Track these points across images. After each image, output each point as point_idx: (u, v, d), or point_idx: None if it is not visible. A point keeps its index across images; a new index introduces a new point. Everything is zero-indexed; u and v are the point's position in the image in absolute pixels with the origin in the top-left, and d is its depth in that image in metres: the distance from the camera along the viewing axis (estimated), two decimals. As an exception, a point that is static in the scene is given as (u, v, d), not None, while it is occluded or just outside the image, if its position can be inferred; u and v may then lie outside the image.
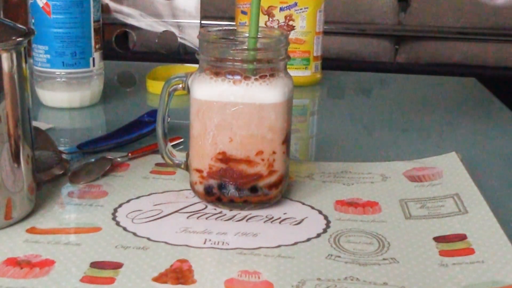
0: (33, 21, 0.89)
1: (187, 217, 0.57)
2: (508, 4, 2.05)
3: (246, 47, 0.58)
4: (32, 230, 0.54)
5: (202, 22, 2.03)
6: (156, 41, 2.04)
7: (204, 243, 0.53)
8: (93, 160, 0.68)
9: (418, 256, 0.51)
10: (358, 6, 2.12)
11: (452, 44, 2.09)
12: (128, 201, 0.60)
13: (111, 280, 0.47)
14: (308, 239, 0.53)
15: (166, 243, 0.52)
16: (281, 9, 1.06)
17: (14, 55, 0.52)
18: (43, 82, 0.91)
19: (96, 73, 0.92)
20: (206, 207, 0.59)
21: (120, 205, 0.59)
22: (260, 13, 1.04)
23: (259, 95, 0.56)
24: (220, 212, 0.58)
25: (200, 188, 0.59)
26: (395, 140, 0.86)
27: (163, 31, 2.06)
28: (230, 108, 0.56)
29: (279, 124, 0.57)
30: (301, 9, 1.06)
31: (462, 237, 0.54)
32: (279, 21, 1.05)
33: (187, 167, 0.62)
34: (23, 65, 0.54)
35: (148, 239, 0.53)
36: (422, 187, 0.64)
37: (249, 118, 0.56)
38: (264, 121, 0.56)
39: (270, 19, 1.05)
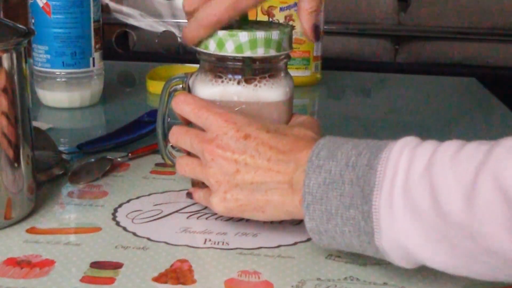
0: (33, 21, 0.89)
1: (187, 217, 0.57)
2: (508, 4, 2.05)
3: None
4: (32, 230, 0.54)
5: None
6: (156, 41, 2.04)
7: (204, 243, 0.53)
8: (93, 160, 0.69)
9: (418, 256, 0.51)
10: (358, 6, 2.12)
11: (452, 44, 2.08)
12: (128, 201, 0.60)
13: (111, 280, 0.47)
14: (308, 239, 0.53)
15: (166, 243, 0.52)
16: (281, 9, 1.06)
17: (14, 55, 0.52)
18: (43, 82, 0.91)
19: (96, 73, 0.92)
20: (206, 207, 0.59)
21: (120, 205, 0.59)
22: (260, 13, 1.05)
23: (261, 95, 0.56)
24: (220, 212, 0.58)
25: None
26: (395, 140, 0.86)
27: (163, 31, 2.05)
28: (232, 108, 0.56)
29: (281, 123, 0.57)
30: (301, 9, 1.06)
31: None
32: (279, 21, 1.05)
33: (187, 167, 0.62)
34: (23, 65, 0.54)
35: (148, 239, 0.53)
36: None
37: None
38: (266, 120, 0.56)
39: (270, 19, 1.04)
